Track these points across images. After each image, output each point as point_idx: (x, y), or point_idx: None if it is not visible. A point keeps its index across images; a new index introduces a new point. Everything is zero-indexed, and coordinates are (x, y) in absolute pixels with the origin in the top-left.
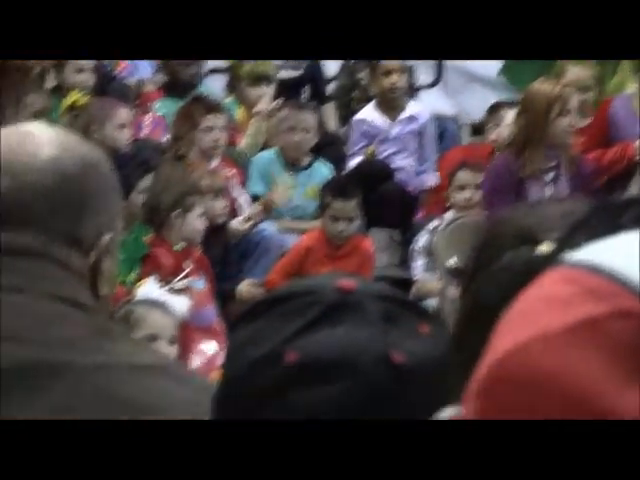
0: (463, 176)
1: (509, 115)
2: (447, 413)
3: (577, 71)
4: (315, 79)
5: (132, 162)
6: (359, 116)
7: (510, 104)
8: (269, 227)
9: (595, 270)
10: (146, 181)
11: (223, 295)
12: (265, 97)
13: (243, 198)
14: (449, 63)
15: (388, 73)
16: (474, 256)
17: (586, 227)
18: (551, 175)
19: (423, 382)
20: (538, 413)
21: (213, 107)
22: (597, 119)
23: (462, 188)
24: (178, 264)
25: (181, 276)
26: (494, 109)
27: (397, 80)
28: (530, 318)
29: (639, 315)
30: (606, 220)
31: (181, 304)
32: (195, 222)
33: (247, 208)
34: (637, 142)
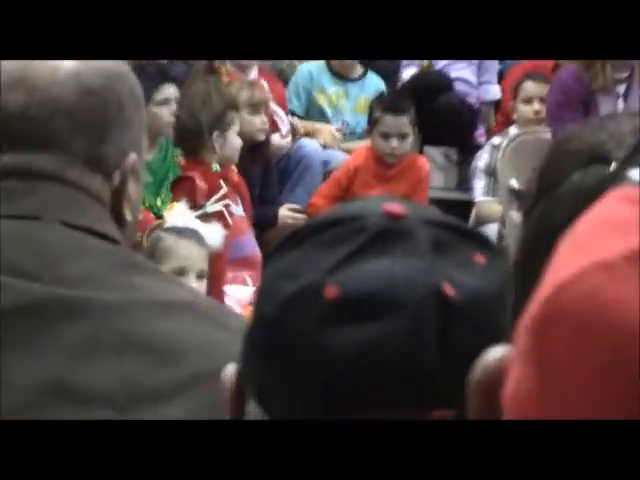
0: (530, 87)
1: None
2: (495, 354)
3: None
4: None
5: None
6: None
7: None
8: (311, 143)
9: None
10: (165, 91)
11: (262, 222)
12: None
13: (282, 114)
14: None
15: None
16: (538, 176)
17: None
18: (623, 87)
19: (477, 318)
20: (596, 353)
21: None
22: None
23: (529, 100)
24: (215, 187)
25: (216, 197)
26: None
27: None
28: (589, 244)
29: None
30: None
31: (215, 232)
32: (234, 140)
33: (287, 123)
34: None
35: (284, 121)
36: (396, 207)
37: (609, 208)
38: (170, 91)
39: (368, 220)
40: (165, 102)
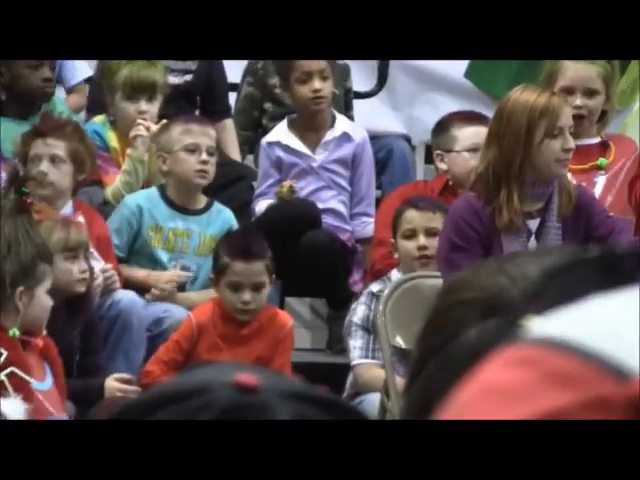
0: (412, 217)
1: (471, 135)
2: None
3: (576, 70)
4: (212, 85)
5: None
6: (270, 138)
7: (472, 118)
8: (129, 296)
9: (561, 348)
10: None
11: (84, 396)
12: (148, 115)
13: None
14: (397, 63)
15: (307, 78)
16: (424, 333)
17: (556, 289)
18: (536, 223)
19: None
20: None
21: (55, 127)
22: None
23: (412, 235)
24: (15, 357)
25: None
26: (444, 126)
27: (321, 87)
28: (474, 417)
29: (622, 404)
30: (588, 277)
31: (14, 410)
32: (43, 298)
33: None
34: None
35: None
36: (248, 378)
37: (498, 373)
38: None
39: (214, 394)
40: None
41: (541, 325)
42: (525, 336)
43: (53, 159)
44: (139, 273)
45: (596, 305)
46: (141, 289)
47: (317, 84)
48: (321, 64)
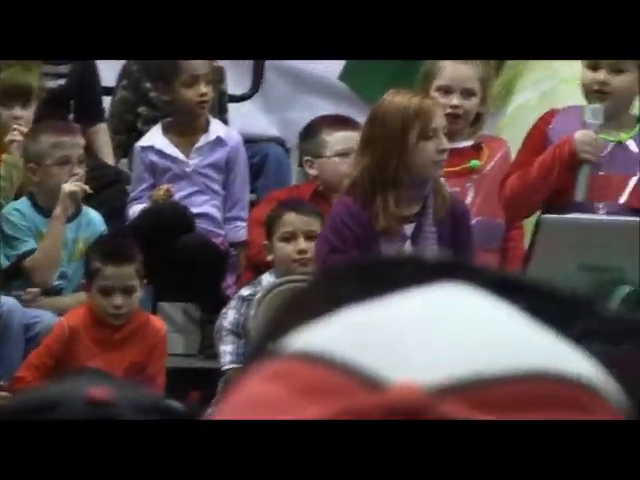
0: (291, 220)
1: (340, 139)
2: None
3: (454, 70)
4: (85, 89)
5: None
6: (143, 142)
7: (342, 122)
8: (9, 301)
9: (313, 360)
10: None
11: None
12: (23, 120)
13: None
14: (271, 64)
15: (194, 81)
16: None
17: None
18: (412, 227)
19: None
20: None
21: None
22: (532, 140)
23: (290, 238)
24: None
25: None
26: (313, 131)
27: (206, 91)
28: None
29: (376, 415)
30: (347, 286)
31: None
32: None
33: None
34: (578, 133)
35: None
36: (100, 392)
37: (249, 389)
38: None
39: (68, 408)
40: None
41: (298, 338)
42: (282, 350)
43: None
44: None
45: (352, 315)
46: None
47: (203, 88)
48: (206, 67)
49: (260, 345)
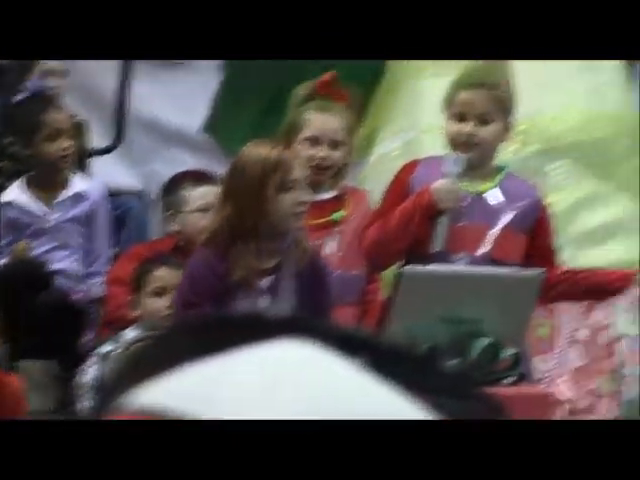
0: (162, 275)
1: (200, 195)
2: None
3: (322, 122)
4: None
5: None
6: (4, 198)
7: (201, 178)
8: None
9: (156, 414)
10: None
11: None
12: None
13: None
14: (134, 117)
15: (56, 135)
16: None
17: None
18: (270, 279)
19: None
20: None
21: None
22: (393, 190)
23: (162, 293)
24: None
25: None
26: (173, 187)
27: (68, 145)
28: None
29: None
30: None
31: None
32: None
33: None
34: (437, 182)
35: None
36: None
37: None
38: None
39: None
40: None
41: (142, 394)
42: (128, 405)
43: None
44: None
45: (192, 373)
46: None
47: (65, 142)
48: (68, 122)
49: (105, 400)
